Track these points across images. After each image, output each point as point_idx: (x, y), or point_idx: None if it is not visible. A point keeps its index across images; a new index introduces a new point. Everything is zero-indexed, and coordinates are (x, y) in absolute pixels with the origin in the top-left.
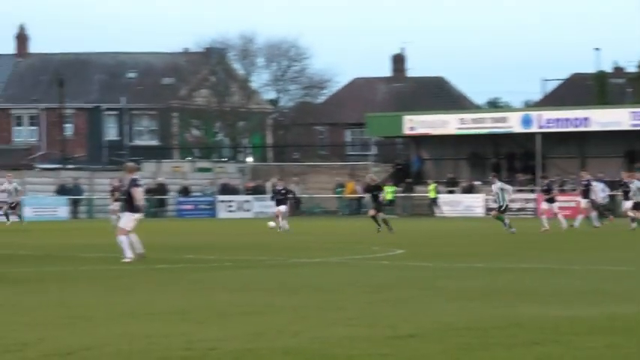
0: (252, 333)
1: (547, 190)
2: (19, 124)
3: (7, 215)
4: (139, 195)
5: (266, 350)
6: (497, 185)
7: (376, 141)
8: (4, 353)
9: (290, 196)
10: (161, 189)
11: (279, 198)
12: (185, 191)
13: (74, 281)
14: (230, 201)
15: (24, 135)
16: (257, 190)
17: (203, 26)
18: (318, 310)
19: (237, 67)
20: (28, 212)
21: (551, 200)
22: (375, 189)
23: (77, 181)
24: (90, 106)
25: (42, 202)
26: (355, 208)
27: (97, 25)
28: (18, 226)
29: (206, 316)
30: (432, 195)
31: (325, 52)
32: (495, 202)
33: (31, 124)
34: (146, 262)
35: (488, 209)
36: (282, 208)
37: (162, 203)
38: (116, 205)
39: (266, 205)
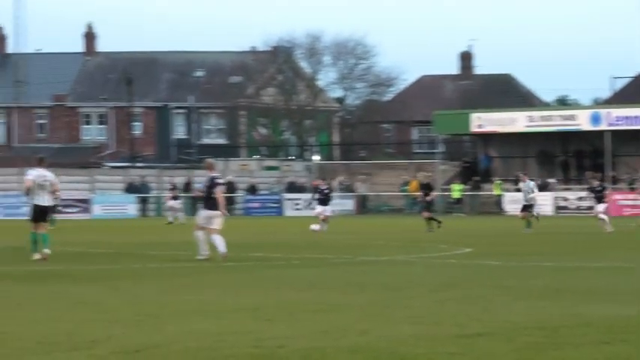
0: (320, 331)
1: (599, 191)
2: (87, 123)
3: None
4: (220, 193)
5: (333, 349)
6: (527, 184)
7: (443, 139)
8: (73, 351)
9: (332, 195)
10: (229, 187)
11: (322, 198)
12: (252, 189)
13: (143, 279)
14: (297, 199)
15: (93, 133)
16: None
17: (271, 25)
18: (385, 309)
19: (304, 66)
20: (97, 210)
21: (600, 200)
22: (425, 188)
23: (145, 179)
24: (158, 104)
25: (111, 200)
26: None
27: (165, 24)
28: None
29: (274, 314)
30: (497, 192)
31: (392, 50)
32: (525, 200)
33: (100, 123)
34: (214, 260)
35: (558, 208)
36: (323, 208)
37: (229, 201)
38: (174, 203)
39: (333, 203)
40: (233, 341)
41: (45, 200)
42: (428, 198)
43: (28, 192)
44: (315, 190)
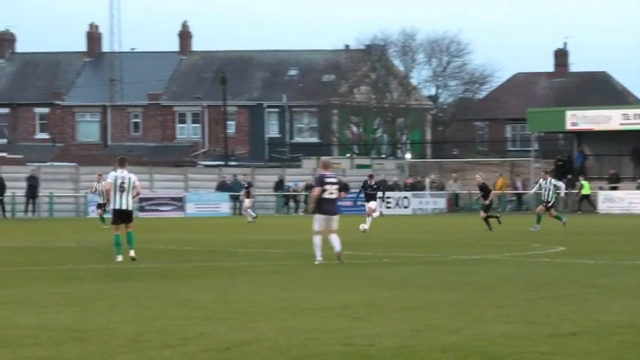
0: (411, 329)
1: None
2: (182, 122)
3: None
4: (314, 193)
5: (424, 347)
6: (548, 182)
7: (537, 136)
8: (165, 348)
9: (380, 193)
10: (306, 186)
11: (370, 193)
12: (344, 187)
13: (234, 276)
14: (388, 197)
15: (187, 132)
16: (416, 187)
17: (364, 23)
18: (477, 308)
19: (398, 64)
20: (190, 208)
21: None
22: (481, 189)
23: (238, 177)
24: (252, 103)
25: (204, 199)
26: (516, 204)
27: (259, 23)
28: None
29: (364, 312)
30: (585, 191)
31: (486, 48)
32: (542, 197)
33: (194, 122)
34: (305, 258)
35: None
36: (372, 204)
37: (375, 199)
38: (249, 202)
39: (425, 202)
40: (323, 339)
41: (125, 202)
42: (486, 201)
43: (108, 195)
44: (364, 186)
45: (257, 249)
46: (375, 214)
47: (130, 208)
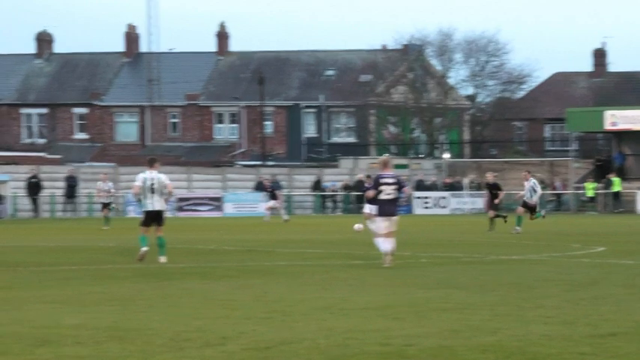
0: (449, 330)
1: None
2: (219, 122)
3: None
4: (368, 195)
5: (463, 347)
6: (529, 183)
7: (576, 136)
8: (205, 347)
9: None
10: (359, 186)
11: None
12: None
13: (272, 276)
14: (426, 197)
15: (224, 132)
16: (454, 187)
17: (402, 23)
18: (516, 308)
19: (435, 64)
20: (228, 208)
21: None
22: (492, 187)
23: (276, 177)
24: (289, 103)
25: (242, 199)
26: (556, 205)
27: (296, 23)
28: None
29: (403, 313)
30: (615, 188)
31: (525, 47)
32: (526, 198)
33: (232, 122)
34: (343, 257)
35: None
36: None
37: (359, 200)
38: (272, 202)
39: (463, 202)
40: (362, 339)
41: (156, 204)
42: (496, 200)
43: (137, 197)
44: (361, 188)
45: (295, 249)
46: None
47: (161, 209)
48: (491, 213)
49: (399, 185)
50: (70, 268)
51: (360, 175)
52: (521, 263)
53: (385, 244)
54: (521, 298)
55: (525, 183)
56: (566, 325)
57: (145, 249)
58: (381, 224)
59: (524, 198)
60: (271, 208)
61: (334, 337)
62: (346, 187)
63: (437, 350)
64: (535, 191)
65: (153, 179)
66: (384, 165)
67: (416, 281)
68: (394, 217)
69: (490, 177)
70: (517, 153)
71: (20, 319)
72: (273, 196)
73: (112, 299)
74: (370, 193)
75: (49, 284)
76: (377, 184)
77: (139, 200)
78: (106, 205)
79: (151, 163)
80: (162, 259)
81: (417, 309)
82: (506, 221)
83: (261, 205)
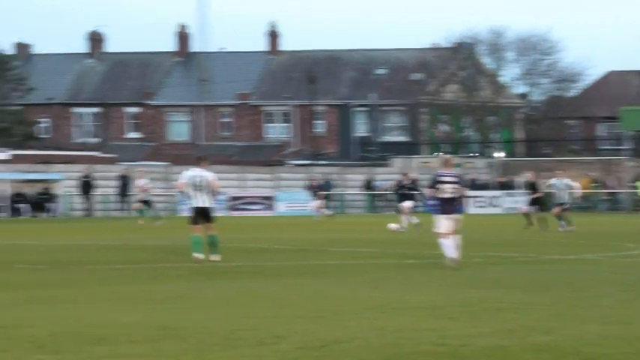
0: (504, 330)
1: None
2: (271, 121)
3: (141, 211)
4: (427, 194)
5: (517, 347)
6: (562, 182)
7: (630, 135)
8: (259, 346)
9: (415, 192)
10: (411, 185)
11: (404, 193)
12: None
13: (324, 275)
14: (479, 196)
15: (276, 132)
16: (507, 186)
17: (453, 21)
18: (571, 308)
19: (487, 62)
20: (280, 207)
21: None
22: (530, 187)
23: (328, 176)
24: (340, 102)
25: (294, 198)
26: (612, 204)
27: (347, 22)
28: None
29: (457, 312)
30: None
31: (578, 45)
32: (558, 198)
33: (283, 121)
34: (396, 257)
35: None
36: (407, 203)
37: (411, 199)
38: (318, 202)
39: (516, 201)
40: (415, 338)
41: (203, 201)
42: (533, 196)
43: (183, 193)
44: (398, 186)
45: (347, 248)
46: (393, 227)
47: (208, 206)
48: (525, 209)
49: (460, 184)
50: (124, 266)
51: (403, 175)
52: (575, 263)
53: (450, 250)
54: (577, 297)
55: (556, 182)
56: (621, 325)
57: (199, 256)
58: (442, 223)
59: (560, 198)
60: (318, 207)
61: (387, 337)
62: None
63: (491, 350)
64: (571, 188)
65: (199, 177)
66: (445, 164)
67: (470, 281)
68: (455, 216)
69: (530, 176)
70: (571, 152)
71: (75, 317)
72: (319, 196)
73: (167, 297)
74: (428, 192)
75: (105, 282)
76: (435, 182)
77: (188, 197)
78: (143, 202)
79: (198, 161)
80: (215, 257)
81: (471, 309)
82: (526, 228)
83: (313, 203)
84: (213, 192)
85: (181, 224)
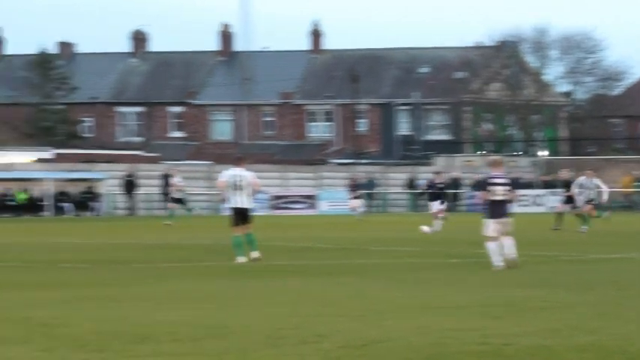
0: (548, 329)
1: None
2: (313, 120)
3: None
4: (484, 196)
5: (561, 347)
6: (591, 181)
7: None
8: (301, 344)
9: (445, 191)
10: (454, 183)
11: (435, 192)
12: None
13: (366, 274)
14: (523, 195)
15: (318, 131)
16: (551, 184)
17: (496, 20)
18: (616, 307)
19: (531, 60)
20: (323, 206)
21: None
22: (565, 185)
23: (370, 175)
24: (383, 101)
25: (336, 197)
26: None
27: (390, 21)
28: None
29: (501, 311)
30: None
31: (622, 44)
32: (586, 196)
33: (326, 120)
34: (439, 256)
35: None
36: (437, 204)
37: (455, 197)
38: (356, 202)
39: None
40: (458, 337)
41: (242, 201)
42: (569, 195)
43: (223, 192)
44: (429, 185)
45: (390, 247)
46: (425, 229)
47: (247, 206)
48: (559, 208)
49: (511, 186)
50: (167, 265)
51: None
52: (620, 262)
53: (496, 255)
54: (621, 296)
55: (584, 180)
56: None
57: (242, 260)
58: (490, 226)
59: (589, 196)
60: (356, 206)
61: (429, 336)
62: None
63: (535, 349)
64: (599, 188)
65: (239, 177)
66: (495, 165)
67: (514, 280)
68: (505, 219)
69: (565, 174)
70: (615, 150)
71: (119, 316)
72: (357, 196)
73: (210, 296)
74: (480, 195)
75: (148, 281)
76: (486, 184)
77: (225, 198)
78: (176, 200)
79: (237, 161)
80: (255, 254)
81: (515, 308)
82: (556, 228)
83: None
84: (253, 191)
85: (222, 223)
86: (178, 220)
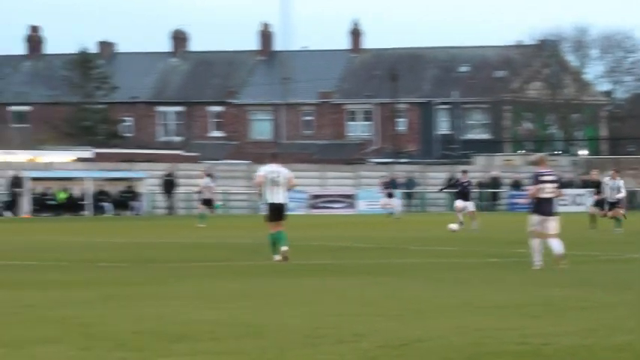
0: (587, 329)
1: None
2: (352, 120)
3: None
4: (530, 192)
5: (600, 347)
6: (615, 183)
7: None
8: (339, 344)
9: (473, 190)
10: (493, 183)
11: (462, 191)
12: (517, 185)
13: (405, 273)
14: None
15: (357, 130)
16: (591, 184)
17: (537, 18)
18: None
19: (571, 59)
20: (361, 205)
21: None
22: (594, 186)
23: (409, 175)
24: (423, 100)
25: (375, 196)
26: None
27: (430, 20)
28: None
29: (540, 311)
30: None
31: None
32: (608, 198)
33: (365, 119)
34: (478, 255)
35: None
36: (461, 203)
37: (494, 197)
38: (387, 200)
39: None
40: (497, 337)
41: (279, 197)
42: (596, 196)
43: (260, 189)
44: (455, 184)
45: (429, 246)
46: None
47: (284, 202)
48: (592, 209)
49: (559, 183)
50: (206, 264)
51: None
52: None
53: (538, 254)
54: None
55: (608, 181)
56: None
57: (279, 258)
58: (535, 222)
59: (608, 197)
60: (388, 205)
61: (469, 335)
62: (480, 185)
63: (574, 349)
64: (620, 191)
65: (276, 172)
66: (542, 162)
67: (553, 279)
68: (553, 217)
69: (594, 175)
70: None
71: (157, 315)
72: (390, 195)
73: (248, 295)
74: (531, 191)
75: (186, 280)
76: (537, 181)
77: (261, 195)
78: (206, 202)
79: (273, 158)
80: (284, 247)
81: (553, 307)
82: (593, 227)
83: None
84: (289, 188)
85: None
86: (210, 221)
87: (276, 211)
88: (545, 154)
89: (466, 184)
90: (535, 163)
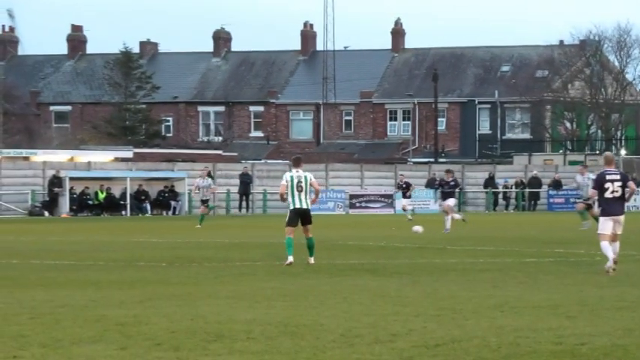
0: (623, 329)
1: None
2: (393, 119)
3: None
4: (592, 193)
5: (636, 346)
6: (585, 177)
7: None
8: (375, 344)
9: (457, 190)
10: (533, 182)
11: (447, 191)
12: (557, 185)
13: (443, 273)
14: None
15: (398, 129)
16: None
17: (579, 18)
18: None
19: (613, 59)
20: (400, 206)
21: None
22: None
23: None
24: (463, 99)
25: (414, 196)
26: None
27: (472, 19)
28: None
29: (576, 311)
30: None
31: None
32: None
33: (405, 119)
34: (515, 255)
35: None
36: (451, 202)
37: (534, 196)
38: (406, 202)
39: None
40: (533, 337)
41: (303, 202)
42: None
43: (283, 197)
44: (440, 184)
45: (466, 246)
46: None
47: (307, 207)
48: (580, 206)
49: (625, 182)
50: (243, 264)
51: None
52: None
53: (610, 252)
54: None
55: (579, 178)
56: None
57: (290, 260)
58: (605, 225)
59: (583, 194)
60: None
61: (505, 336)
62: (519, 185)
63: (609, 349)
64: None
65: (300, 177)
66: (609, 161)
67: (589, 279)
68: (621, 217)
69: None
70: None
71: (194, 314)
72: (405, 195)
73: (285, 295)
74: (590, 192)
75: (223, 280)
76: (602, 181)
77: (285, 200)
78: (204, 202)
79: (296, 163)
80: (311, 260)
81: (590, 307)
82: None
83: (433, 201)
84: (314, 193)
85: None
86: (216, 221)
87: (301, 217)
88: (612, 153)
89: (452, 183)
90: (604, 162)
